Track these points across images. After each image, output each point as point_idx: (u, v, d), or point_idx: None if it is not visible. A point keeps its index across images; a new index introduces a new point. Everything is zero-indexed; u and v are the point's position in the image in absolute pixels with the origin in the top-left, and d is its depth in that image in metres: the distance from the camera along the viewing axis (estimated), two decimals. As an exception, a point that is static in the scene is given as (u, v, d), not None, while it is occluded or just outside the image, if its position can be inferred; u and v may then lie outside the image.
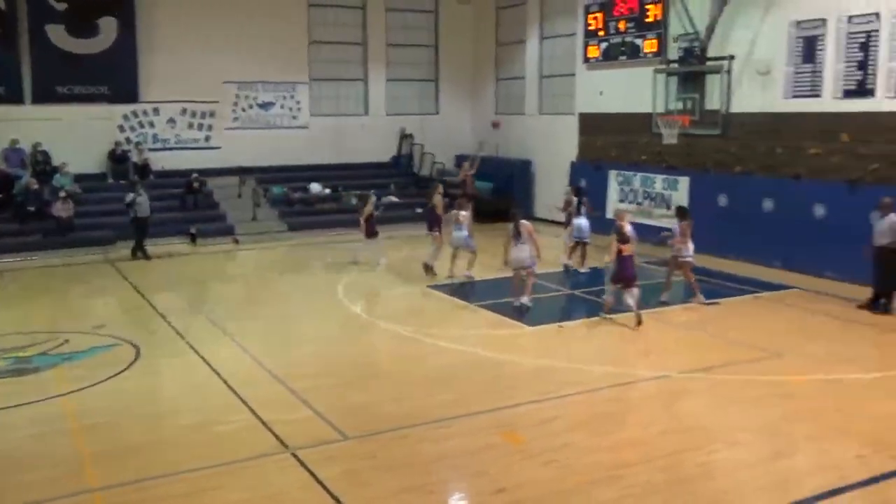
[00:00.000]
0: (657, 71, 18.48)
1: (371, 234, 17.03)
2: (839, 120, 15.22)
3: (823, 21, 15.40)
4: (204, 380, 9.90)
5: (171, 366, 10.66)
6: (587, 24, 21.09)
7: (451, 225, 15.49)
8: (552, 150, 22.78)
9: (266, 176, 23.25)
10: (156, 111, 22.61)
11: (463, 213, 15.38)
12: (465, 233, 15.22)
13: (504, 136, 25.08)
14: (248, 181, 22.63)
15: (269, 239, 20.74)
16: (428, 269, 15.50)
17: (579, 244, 16.02)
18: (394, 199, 23.29)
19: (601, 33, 20.64)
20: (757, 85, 16.76)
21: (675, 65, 18.30)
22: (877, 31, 14.49)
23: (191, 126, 23.10)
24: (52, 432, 8.28)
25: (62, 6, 21.12)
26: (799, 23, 15.84)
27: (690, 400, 9.27)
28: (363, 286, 15.24)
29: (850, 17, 14.91)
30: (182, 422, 8.61)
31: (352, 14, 24.90)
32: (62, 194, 19.41)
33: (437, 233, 15.98)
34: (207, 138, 23.27)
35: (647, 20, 19.17)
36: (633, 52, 19.63)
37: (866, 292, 12.99)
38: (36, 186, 19.63)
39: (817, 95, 15.60)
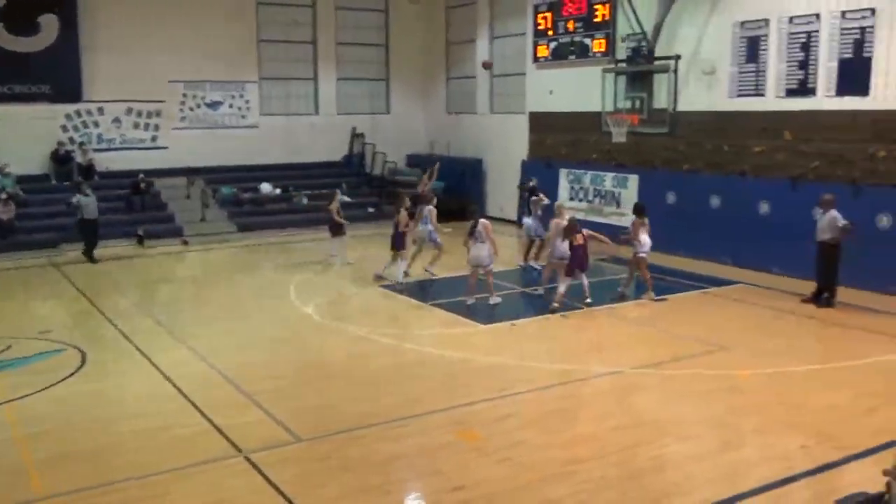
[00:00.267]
0: (606, 70, 18.71)
1: (337, 231, 16.82)
2: (782, 118, 15.60)
3: (766, 21, 15.76)
4: (153, 384, 9.73)
5: (119, 370, 10.44)
6: (536, 24, 21.25)
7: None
8: (503, 148, 22.93)
9: (215, 176, 22.94)
10: (100, 111, 22.14)
11: (428, 207, 15.39)
12: (429, 227, 15.25)
13: (455, 135, 25.15)
14: (197, 182, 22.32)
15: (219, 240, 20.47)
16: (378, 278, 15.27)
17: (533, 242, 16.14)
18: (346, 198, 23.19)
19: (550, 33, 20.81)
20: (703, 84, 17.08)
21: (624, 64, 18.55)
22: (817, 31, 14.88)
23: (137, 126, 22.68)
24: (-5, 441, 8.06)
25: (0, 3, 20.55)
26: (742, 23, 16.19)
27: (642, 395, 9.41)
28: (315, 287, 15.13)
29: (792, 18, 15.29)
30: (131, 427, 8.43)
31: (301, 12, 24.70)
32: (3, 196, 18.93)
33: (402, 249, 15.17)
34: (154, 138, 22.88)
35: (595, 20, 19.40)
36: (582, 52, 19.83)
37: (810, 287, 13.32)
38: (-25, 188, 19.11)
39: (761, 95, 15.97)
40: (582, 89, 19.80)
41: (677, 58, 17.37)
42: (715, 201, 16.77)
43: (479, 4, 23.95)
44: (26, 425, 8.44)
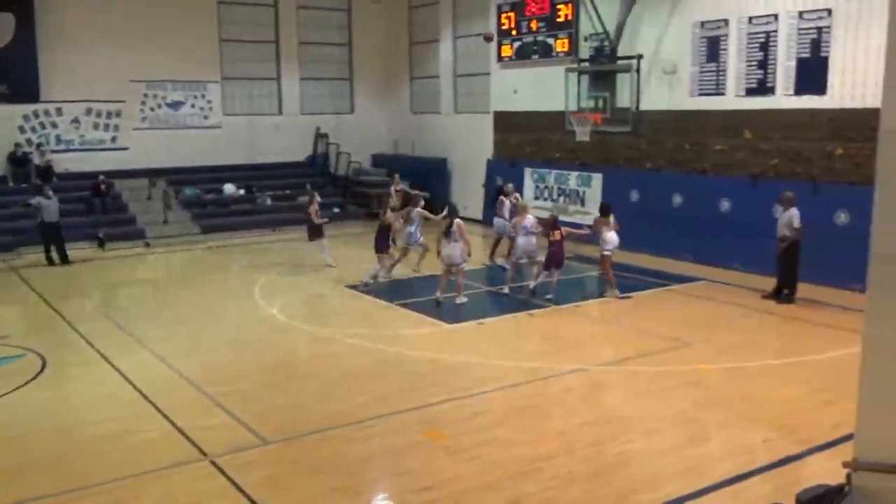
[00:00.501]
0: (569, 70, 18.83)
1: (315, 234, 16.61)
2: (742, 117, 15.84)
3: (725, 22, 15.99)
4: (116, 389, 9.58)
5: (80, 375, 10.26)
6: (500, 24, 21.31)
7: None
8: (468, 148, 22.97)
9: (177, 177, 22.65)
10: (59, 111, 21.74)
11: (416, 209, 15.37)
12: (410, 228, 15.32)
13: (420, 135, 25.13)
14: (159, 183, 22.01)
15: (182, 242, 20.22)
16: (365, 284, 15.09)
17: (500, 240, 16.18)
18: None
19: (514, 33, 20.90)
20: (664, 84, 17.27)
21: (586, 64, 18.69)
22: (775, 31, 15.13)
23: (96, 126, 22.30)
24: (-48, 449, 7.88)
25: (-47, 1, 20.12)
26: (702, 23, 16.41)
27: (608, 392, 9.50)
28: (281, 288, 15.02)
29: (751, 18, 15.52)
30: (93, 433, 8.29)
31: (263, 11, 24.50)
32: (-42, 199, 18.49)
33: (385, 252, 15.03)
34: (114, 139, 22.52)
35: (558, 20, 19.52)
36: (546, 52, 19.94)
37: (771, 283, 13.54)
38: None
39: (721, 94, 16.20)
40: (546, 89, 19.92)
41: (639, 57, 17.55)
42: (677, 199, 16.98)
43: (441, 4, 23.95)
44: (-15, 432, 8.26)
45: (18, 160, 20.99)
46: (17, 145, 21.05)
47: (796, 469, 7.23)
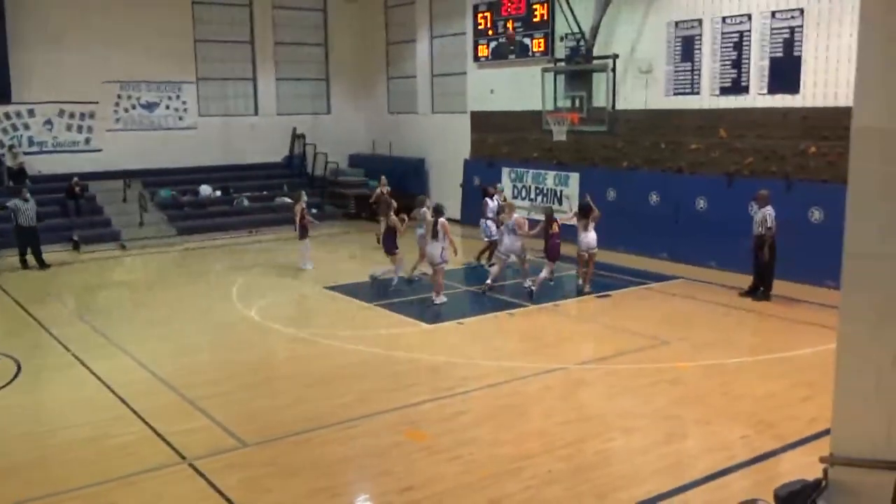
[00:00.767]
0: (545, 69, 18.87)
1: (303, 234, 16.46)
2: (717, 116, 15.98)
3: (699, 22, 16.12)
4: (92, 392, 9.48)
5: (55, 379, 10.15)
6: (476, 24, 21.33)
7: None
8: (445, 148, 22.97)
9: (153, 179, 22.46)
10: (31, 112, 21.47)
11: (422, 210, 15.20)
12: (421, 230, 15.14)
13: (397, 135, 25.09)
14: (134, 185, 21.81)
15: (158, 244, 20.05)
16: (374, 279, 14.97)
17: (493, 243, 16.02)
18: (287, 200, 22.98)
19: (490, 32, 20.93)
20: (640, 83, 17.38)
21: (563, 63, 18.75)
22: (748, 31, 15.27)
23: (69, 128, 22.05)
24: (-76, 456, 7.75)
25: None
26: (677, 23, 16.52)
27: (587, 390, 9.54)
28: (258, 289, 14.93)
29: (724, 18, 15.66)
30: (69, 437, 8.20)
31: (238, 11, 24.35)
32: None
33: (396, 253, 14.78)
34: (88, 140, 22.28)
35: (534, 20, 19.57)
36: (522, 51, 19.99)
37: (747, 280, 13.66)
38: None
39: (696, 93, 16.32)
40: (522, 88, 19.97)
41: (615, 57, 17.63)
42: (653, 198, 17.09)
43: (418, 4, 23.92)
44: (-42, 439, 8.14)
45: (-10, 162, 20.72)
46: (-11, 147, 20.79)
47: (774, 465, 7.31)
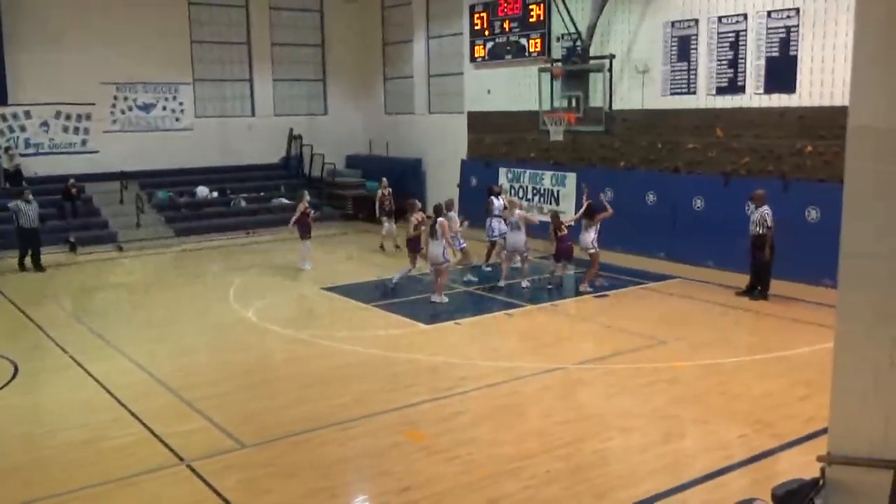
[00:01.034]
0: (542, 70, 18.89)
1: (304, 234, 16.42)
2: (713, 116, 15.99)
3: (695, 22, 16.13)
4: (90, 394, 9.47)
5: (53, 381, 10.14)
6: (473, 24, 21.34)
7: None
8: (442, 148, 22.96)
9: (149, 180, 22.44)
10: (27, 114, 21.43)
11: (450, 213, 15.14)
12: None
13: (394, 136, 25.09)
14: (131, 186, 21.79)
15: (155, 245, 20.04)
16: (395, 285, 15.00)
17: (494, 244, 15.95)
18: (284, 200, 23.00)
19: (487, 33, 20.93)
20: (636, 83, 17.39)
21: (559, 64, 18.74)
22: (744, 31, 15.29)
23: (66, 129, 22.02)
24: (-78, 458, 7.74)
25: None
26: (673, 23, 16.54)
27: (585, 390, 9.54)
28: (255, 290, 14.92)
29: (720, 18, 15.68)
30: (66, 439, 8.19)
31: (235, 13, 24.32)
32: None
33: (419, 251, 14.74)
34: (84, 142, 22.25)
35: (530, 20, 19.57)
36: (519, 52, 20.00)
37: (744, 280, 13.68)
38: None
39: (693, 93, 16.34)
40: (519, 89, 19.97)
41: (611, 57, 17.64)
42: (651, 198, 17.09)
43: (414, 5, 23.93)
44: (-45, 441, 8.13)
45: (-14, 164, 20.69)
46: (-15, 149, 20.76)
47: (772, 464, 7.31)
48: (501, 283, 14.59)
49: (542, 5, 19.19)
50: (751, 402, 8.82)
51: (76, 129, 22.13)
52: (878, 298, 4.00)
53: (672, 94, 16.73)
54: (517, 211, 14.61)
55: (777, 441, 7.70)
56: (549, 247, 15.94)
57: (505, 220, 15.11)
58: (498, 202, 15.98)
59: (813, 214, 14.11)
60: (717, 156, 16.00)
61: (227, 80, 24.45)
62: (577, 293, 14.15)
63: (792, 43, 14.54)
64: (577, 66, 18.17)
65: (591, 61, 17.95)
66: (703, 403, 8.86)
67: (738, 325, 12.34)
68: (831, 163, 13.73)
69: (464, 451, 7.62)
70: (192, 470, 7.31)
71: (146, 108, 23.08)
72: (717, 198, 15.70)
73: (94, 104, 22.14)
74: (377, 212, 18.61)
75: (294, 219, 16.52)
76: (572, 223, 14.65)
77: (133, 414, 8.72)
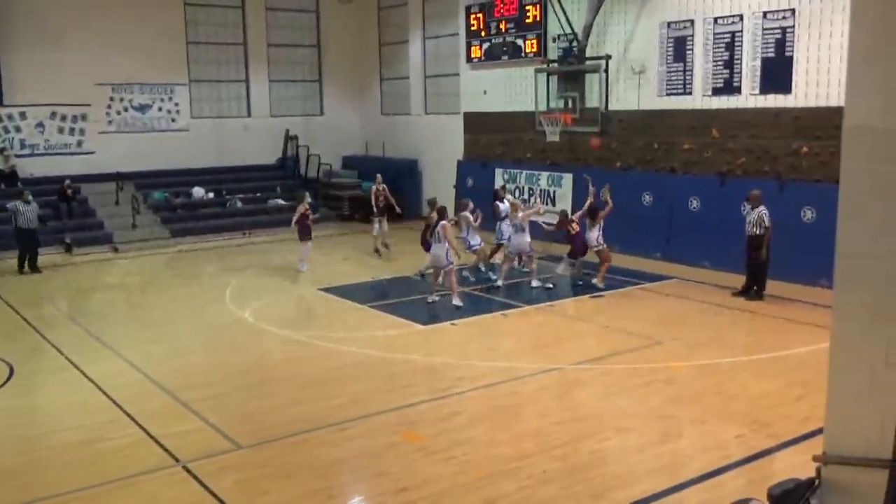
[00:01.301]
0: (538, 70, 18.90)
1: (304, 236, 16.33)
2: (709, 116, 16.01)
3: (691, 22, 16.15)
4: (86, 395, 9.45)
5: (48, 383, 10.12)
6: (469, 25, 21.34)
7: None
8: (438, 149, 22.96)
9: (145, 181, 22.42)
10: (22, 115, 21.40)
11: (463, 213, 15.17)
12: (463, 234, 15.15)
13: (390, 136, 25.10)
14: (126, 187, 21.76)
15: (151, 246, 20.01)
16: (423, 276, 15.03)
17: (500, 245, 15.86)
18: (280, 201, 23.00)
19: (483, 33, 20.93)
20: (633, 84, 17.40)
21: (555, 64, 18.77)
22: (740, 31, 15.31)
23: (61, 130, 22.00)
24: (-83, 460, 7.72)
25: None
26: (669, 24, 16.55)
27: (582, 390, 9.54)
28: (252, 291, 14.91)
29: (716, 19, 15.69)
30: (62, 441, 8.17)
31: (231, 13, 24.31)
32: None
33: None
34: (80, 143, 22.22)
35: (527, 21, 19.58)
36: (515, 52, 20.00)
37: (740, 280, 13.70)
38: None
39: (689, 93, 16.35)
40: (515, 89, 19.99)
41: (607, 58, 17.66)
42: (647, 198, 17.11)
43: (410, 5, 23.93)
44: (-49, 443, 8.11)
45: (-18, 165, 20.64)
46: (-19, 150, 20.71)
47: (768, 463, 7.32)
48: (499, 283, 14.64)
49: (538, 6, 19.20)
50: (747, 403, 8.84)
51: (72, 130, 22.11)
52: (874, 299, 4.00)
53: (668, 94, 16.75)
54: (519, 213, 14.61)
55: (773, 441, 7.71)
56: (547, 247, 16.08)
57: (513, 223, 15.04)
58: (504, 206, 15.76)
59: (809, 215, 14.13)
60: (713, 156, 16.02)
61: (224, 81, 24.44)
62: (591, 291, 14.17)
63: (787, 44, 14.57)
64: (573, 67, 18.19)
65: (588, 62, 17.97)
66: (699, 403, 8.87)
67: (734, 325, 12.35)
68: (827, 163, 13.75)
69: (461, 451, 7.62)
70: (189, 471, 7.30)
71: (142, 108, 23.06)
72: (714, 198, 15.72)
73: (89, 105, 22.12)
74: (374, 209, 18.14)
75: (294, 220, 16.46)
76: (576, 221, 14.76)
77: (129, 415, 8.70)
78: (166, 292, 15.59)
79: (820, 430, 7.72)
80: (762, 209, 13.10)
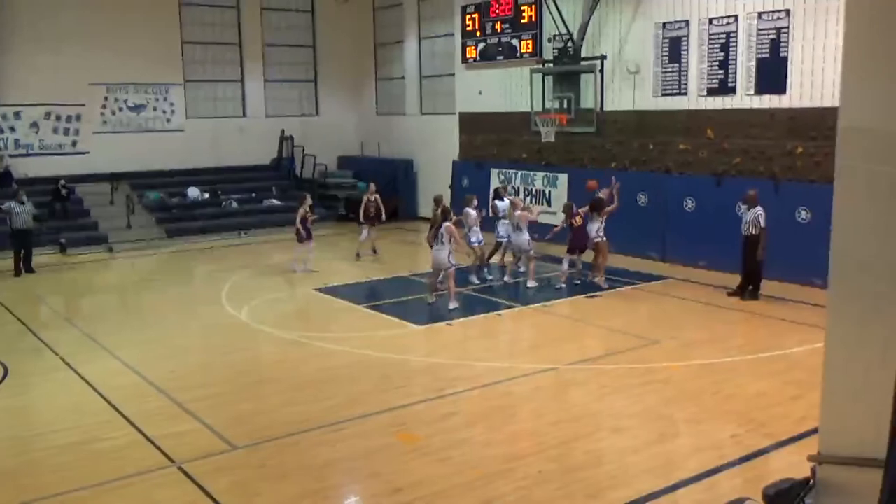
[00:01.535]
0: (533, 71, 18.91)
1: (303, 237, 16.22)
2: (704, 117, 16.03)
3: (686, 23, 16.18)
4: (81, 396, 9.42)
5: (43, 384, 10.07)
6: (464, 25, 21.34)
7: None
8: (434, 149, 22.97)
9: (140, 181, 22.37)
10: (17, 115, 21.35)
11: (466, 209, 15.00)
12: (466, 231, 15.02)
13: (386, 136, 25.10)
14: (121, 187, 21.71)
15: (146, 246, 19.98)
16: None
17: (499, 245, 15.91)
18: (275, 201, 22.98)
19: (478, 34, 20.94)
20: (628, 84, 17.43)
21: (551, 65, 18.78)
22: (735, 32, 15.34)
23: (56, 130, 21.95)
24: (-89, 462, 7.69)
25: None
26: (664, 24, 16.58)
27: (577, 390, 9.55)
28: (248, 291, 14.88)
29: (711, 20, 15.72)
30: (56, 442, 8.14)
31: (226, 13, 24.27)
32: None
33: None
34: (74, 143, 22.18)
35: (522, 21, 19.58)
36: (510, 53, 20.01)
37: (736, 280, 13.71)
38: None
39: (684, 94, 16.38)
40: (511, 90, 20.01)
41: (603, 58, 17.67)
42: (642, 198, 17.12)
43: (406, 6, 23.94)
44: (-56, 444, 8.08)
45: (-24, 165, 20.57)
46: (-25, 150, 20.64)
47: (764, 463, 7.33)
48: (507, 279, 14.95)
49: (533, 6, 19.21)
50: (743, 402, 8.85)
51: (66, 130, 22.06)
52: (868, 298, 4.00)
53: (663, 94, 16.77)
54: (517, 212, 14.64)
55: (769, 441, 7.72)
56: (545, 247, 15.99)
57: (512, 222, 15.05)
58: (502, 204, 15.75)
59: (803, 215, 14.16)
60: (709, 156, 16.04)
61: (219, 81, 24.40)
62: (588, 291, 14.19)
63: (782, 44, 14.60)
64: (568, 67, 18.20)
65: (583, 62, 17.98)
66: (695, 403, 8.87)
67: (729, 325, 12.36)
68: (822, 163, 13.78)
69: (456, 451, 7.62)
70: (184, 472, 7.28)
71: (137, 108, 23.02)
72: (709, 198, 15.74)
73: (84, 105, 22.07)
74: (361, 216, 17.88)
75: (298, 221, 16.31)
76: (580, 214, 14.65)
77: (124, 416, 8.68)
78: (161, 293, 15.56)
79: (815, 430, 7.73)
80: (759, 210, 13.11)
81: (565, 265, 14.66)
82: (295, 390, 9.58)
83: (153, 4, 22.69)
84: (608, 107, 17.81)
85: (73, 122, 22.10)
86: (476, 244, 15.06)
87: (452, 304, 13.16)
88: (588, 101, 18.05)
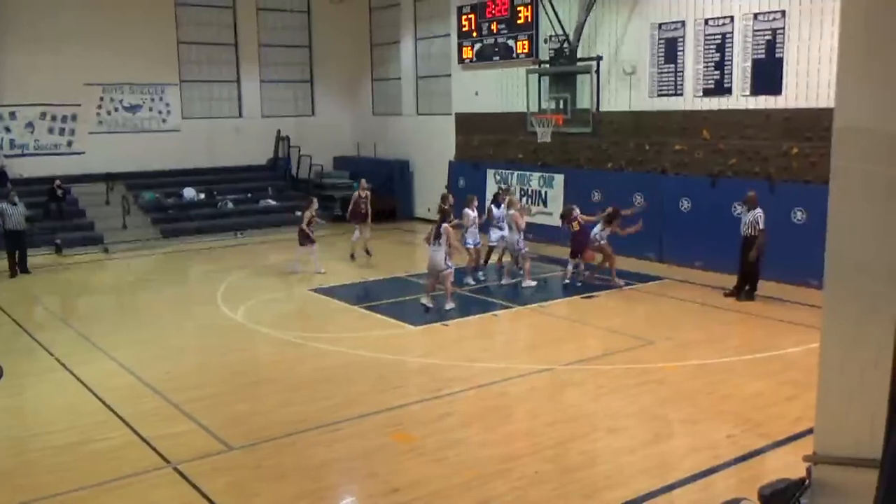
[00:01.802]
0: (530, 71, 18.92)
1: (305, 240, 16.11)
2: (700, 117, 16.05)
3: (682, 24, 16.19)
4: (76, 397, 9.41)
5: (38, 385, 10.05)
6: (461, 25, 21.35)
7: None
8: (430, 149, 22.96)
9: (136, 182, 22.33)
10: (12, 115, 21.31)
11: (465, 210, 15.03)
12: (464, 233, 15.01)
13: (382, 137, 25.10)
14: (117, 187, 21.68)
15: (142, 247, 19.95)
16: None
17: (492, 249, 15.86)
18: (271, 202, 22.96)
19: (474, 34, 20.94)
20: (624, 85, 17.44)
21: (547, 65, 18.79)
22: (731, 33, 15.36)
23: (51, 130, 21.92)
24: None
25: None
26: (660, 25, 16.60)
27: (573, 391, 9.56)
28: (244, 292, 14.86)
29: (707, 21, 15.74)
30: (51, 443, 8.12)
31: (222, 13, 24.25)
32: None
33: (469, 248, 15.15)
34: (70, 143, 22.14)
35: (518, 22, 19.60)
36: (506, 53, 20.02)
37: (732, 280, 13.74)
38: None
39: (679, 94, 16.40)
40: (507, 90, 20.01)
41: (599, 59, 17.69)
42: (638, 199, 17.12)
43: (402, 6, 23.93)
44: (-61, 445, 8.06)
45: (-29, 166, 20.53)
46: (-30, 150, 20.60)
47: (760, 463, 7.35)
48: (506, 280, 15.01)
49: (529, 7, 19.23)
50: (739, 403, 8.86)
51: (62, 130, 22.02)
52: (864, 299, 4.01)
53: (659, 95, 16.78)
54: (510, 211, 14.66)
55: (765, 441, 7.74)
56: (541, 248, 16.08)
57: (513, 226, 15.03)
58: (498, 211, 15.49)
59: (799, 215, 14.18)
60: (704, 157, 16.06)
61: (215, 82, 24.37)
62: (584, 291, 14.21)
63: (778, 45, 14.62)
64: (564, 68, 18.22)
65: (579, 63, 17.99)
66: (690, 404, 8.88)
67: (726, 325, 12.38)
68: (817, 164, 13.80)
69: (452, 452, 7.62)
70: (180, 473, 7.27)
71: (132, 109, 22.99)
72: (705, 199, 15.76)
73: (79, 105, 22.04)
74: (348, 214, 17.72)
75: (304, 223, 16.21)
76: (579, 220, 14.62)
77: (120, 417, 8.67)
78: (157, 293, 15.54)
79: (811, 430, 7.75)
80: (758, 211, 13.11)
81: (570, 266, 14.81)
82: (291, 391, 9.58)
83: (148, 5, 22.65)
84: (604, 107, 17.83)
85: (69, 123, 22.06)
86: (472, 246, 15.04)
87: (449, 305, 13.14)
88: (584, 101, 18.07)
